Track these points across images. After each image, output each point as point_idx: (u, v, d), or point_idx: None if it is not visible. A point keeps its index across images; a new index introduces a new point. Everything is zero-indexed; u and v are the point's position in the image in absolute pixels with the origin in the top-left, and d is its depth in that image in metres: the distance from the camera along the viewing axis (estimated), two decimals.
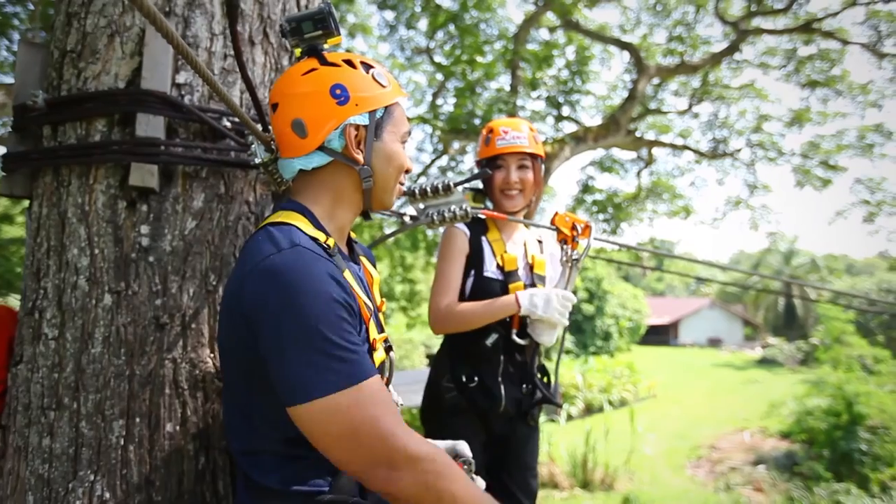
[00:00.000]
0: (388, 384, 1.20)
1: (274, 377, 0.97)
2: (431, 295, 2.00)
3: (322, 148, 1.12)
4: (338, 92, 1.10)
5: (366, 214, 1.27)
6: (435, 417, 2.05)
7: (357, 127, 1.13)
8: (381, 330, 1.20)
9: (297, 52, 1.17)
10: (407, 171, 1.23)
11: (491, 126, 2.15)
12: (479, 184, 2.10)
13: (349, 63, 1.14)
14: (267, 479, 1.05)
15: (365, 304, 1.09)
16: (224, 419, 1.13)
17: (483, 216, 1.99)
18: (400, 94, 1.19)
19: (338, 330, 0.95)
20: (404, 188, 1.80)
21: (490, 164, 2.09)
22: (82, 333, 1.31)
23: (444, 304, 1.94)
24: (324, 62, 1.13)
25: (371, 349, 1.08)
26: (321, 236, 1.09)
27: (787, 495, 9.59)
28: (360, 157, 1.13)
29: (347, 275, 1.08)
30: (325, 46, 1.16)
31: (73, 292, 1.33)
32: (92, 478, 1.25)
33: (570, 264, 1.94)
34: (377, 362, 1.10)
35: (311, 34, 1.14)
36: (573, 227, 1.93)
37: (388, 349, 1.22)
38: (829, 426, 11.23)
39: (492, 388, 1.97)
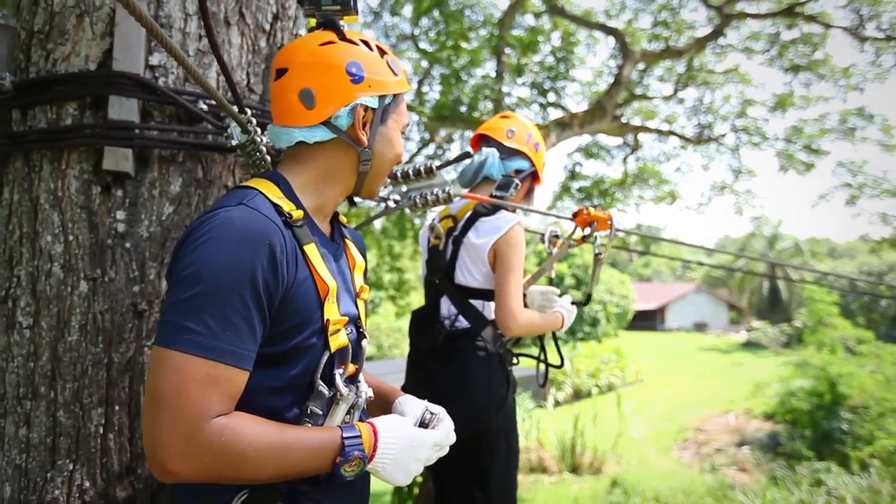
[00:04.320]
0: (357, 371, 1.15)
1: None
2: (508, 294, 1.88)
3: (327, 123, 1.09)
4: (353, 70, 1.08)
5: (351, 201, 1.25)
6: (505, 402, 2.02)
7: (366, 108, 1.11)
8: (352, 314, 1.14)
9: (312, 22, 1.14)
10: (398, 162, 1.22)
11: (540, 138, 2.18)
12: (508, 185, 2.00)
13: (366, 44, 1.13)
14: None
15: (324, 281, 1.05)
16: None
17: (469, 200, 1.99)
18: (407, 86, 1.19)
19: (228, 300, 0.88)
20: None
21: (535, 179, 2.14)
22: (58, 321, 1.28)
23: (521, 307, 1.93)
24: (342, 38, 1.11)
25: (324, 329, 1.03)
26: (287, 205, 1.04)
27: (770, 475, 9.79)
28: (364, 138, 1.12)
29: (311, 249, 1.04)
30: (342, 23, 1.14)
31: (48, 280, 1.30)
32: (71, 467, 1.24)
33: (595, 262, 2.01)
34: (334, 346, 1.04)
35: (329, 7, 1.12)
36: (588, 224, 1.95)
37: (361, 336, 1.17)
38: (811, 407, 11.46)
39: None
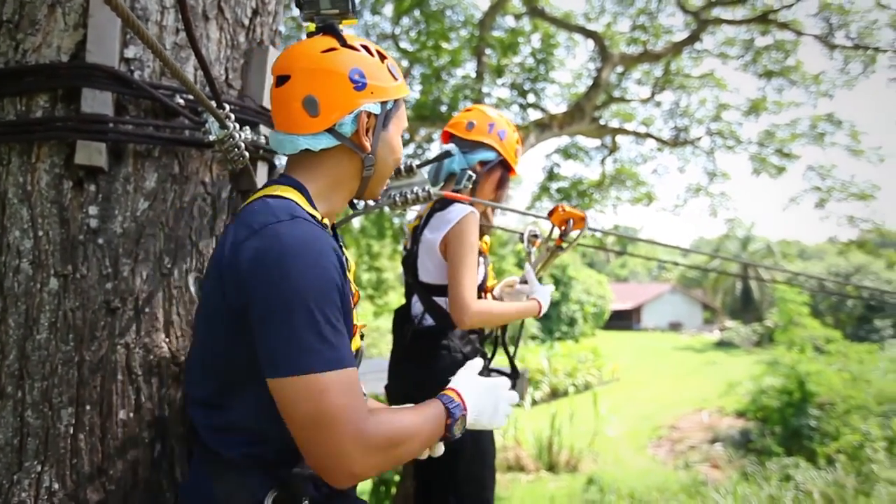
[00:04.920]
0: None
1: (258, 345, 0.94)
2: (459, 286, 1.83)
3: (331, 130, 1.09)
4: (356, 77, 1.08)
5: (351, 204, 1.25)
6: None
7: (369, 115, 1.12)
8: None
9: (312, 27, 1.13)
10: (398, 164, 1.25)
11: (519, 137, 2.14)
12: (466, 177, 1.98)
13: (367, 49, 1.13)
14: (231, 451, 1.02)
15: (355, 288, 1.09)
16: (193, 391, 1.08)
17: (447, 199, 1.98)
18: (407, 90, 1.20)
19: (329, 311, 0.93)
20: None
21: (507, 168, 2.09)
22: (26, 319, 1.25)
23: (474, 298, 1.85)
24: (344, 44, 1.10)
25: (351, 336, 1.05)
26: (317, 214, 1.06)
27: (741, 471, 10.00)
28: (368, 144, 1.12)
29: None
30: (341, 26, 1.14)
31: (16, 276, 1.26)
32: (39, 468, 1.21)
33: (550, 252, 2.00)
34: (354, 349, 1.07)
35: (327, 10, 1.11)
36: (565, 222, 1.94)
37: (361, 336, 1.21)
38: (781, 404, 11.74)
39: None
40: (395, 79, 1.15)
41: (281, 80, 1.10)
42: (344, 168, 1.13)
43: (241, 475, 1.01)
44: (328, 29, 1.12)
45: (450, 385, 1.13)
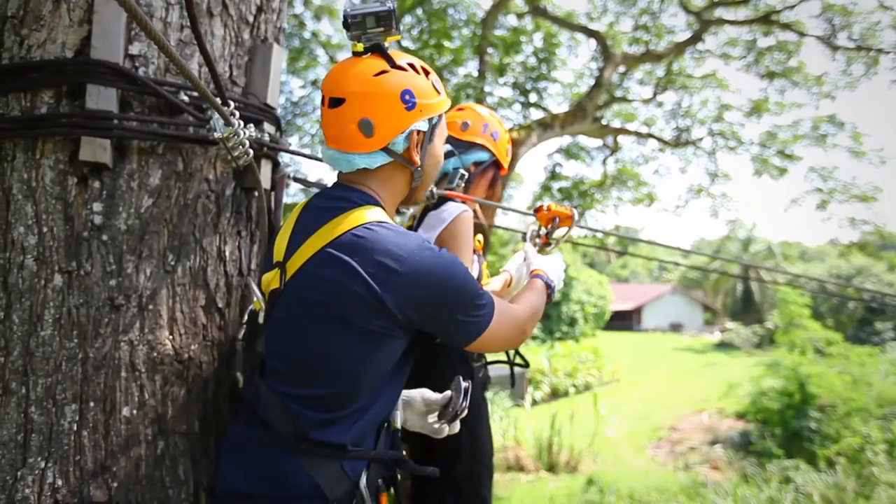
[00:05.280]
0: None
1: (452, 332, 1.19)
2: None
3: (385, 148, 1.17)
4: (407, 97, 1.16)
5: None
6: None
7: (419, 132, 1.20)
8: None
9: (359, 46, 1.18)
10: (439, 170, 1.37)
11: (510, 137, 2.13)
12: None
13: (413, 67, 1.19)
14: (337, 438, 1.13)
15: None
16: (294, 390, 1.14)
17: (449, 198, 1.98)
18: (448, 103, 1.27)
19: (470, 284, 1.18)
20: None
21: (498, 167, 2.09)
22: (30, 315, 1.25)
23: None
24: (393, 65, 1.17)
25: None
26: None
27: (741, 473, 9.99)
28: (417, 159, 1.22)
29: None
30: (385, 43, 1.19)
31: (20, 272, 1.26)
32: (43, 465, 1.21)
33: (537, 247, 1.95)
34: None
35: (373, 29, 1.16)
36: (551, 220, 1.93)
37: None
38: (782, 406, 11.72)
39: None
40: (439, 93, 1.23)
41: (334, 102, 1.17)
42: (397, 181, 1.24)
43: (339, 461, 1.13)
44: (377, 49, 1.18)
45: (535, 268, 1.58)
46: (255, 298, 1.26)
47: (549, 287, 1.51)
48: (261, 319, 1.23)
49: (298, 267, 1.15)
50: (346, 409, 1.14)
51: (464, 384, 1.35)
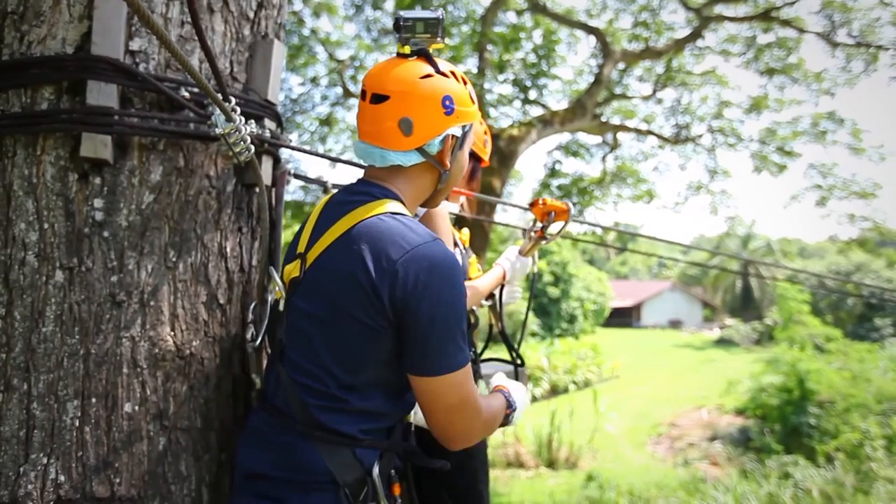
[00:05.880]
0: None
1: (413, 349, 1.12)
2: None
3: (419, 149, 1.21)
4: (447, 103, 1.21)
5: None
6: None
7: (453, 136, 1.25)
8: None
9: (406, 49, 1.23)
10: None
11: (487, 128, 2.12)
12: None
13: (454, 75, 1.25)
14: (346, 428, 1.16)
15: None
16: (310, 381, 1.17)
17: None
18: (479, 113, 1.33)
19: (463, 317, 1.15)
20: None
21: (478, 160, 2.07)
22: (32, 312, 1.25)
23: None
24: (437, 70, 1.22)
25: None
26: None
27: (741, 469, 10.02)
28: (448, 162, 1.26)
29: None
30: (431, 49, 1.25)
31: (22, 269, 1.26)
32: (45, 461, 1.21)
33: (532, 241, 1.96)
34: None
35: (421, 35, 1.22)
36: (546, 215, 1.92)
37: None
38: (781, 402, 11.75)
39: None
40: (473, 103, 1.29)
41: (377, 98, 1.20)
42: (425, 181, 1.28)
43: (353, 449, 1.17)
44: (423, 54, 1.24)
45: (499, 385, 1.41)
46: (276, 288, 1.28)
47: (510, 406, 1.35)
48: (281, 307, 1.25)
49: (316, 256, 1.19)
50: (350, 402, 1.16)
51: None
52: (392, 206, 1.20)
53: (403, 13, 1.22)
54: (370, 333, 1.12)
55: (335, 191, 1.37)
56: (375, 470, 1.20)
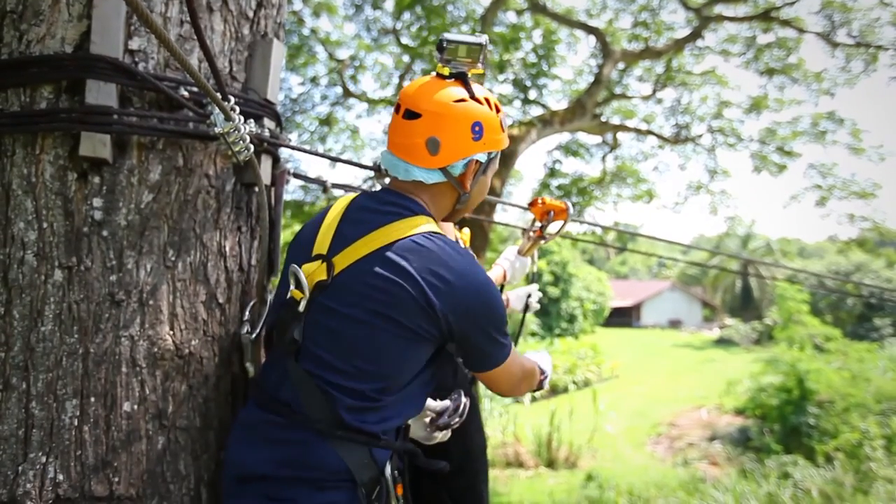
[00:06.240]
0: None
1: (472, 356, 1.29)
2: None
3: (443, 169, 1.26)
4: (476, 129, 1.25)
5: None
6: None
7: (477, 161, 1.29)
8: None
9: (446, 70, 1.27)
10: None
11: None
12: None
13: (488, 102, 1.28)
14: (370, 427, 1.20)
15: None
16: (343, 381, 1.19)
17: None
18: (507, 141, 1.35)
19: (504, 322, 1.29)
20: (370, 164, 1.78)
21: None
22: (31, 311, 1.25)
23: None
24: (472, 95, 1.25)
25: None
26: None
27: (740, 469, 10.02)
28: (468, 186, 1.30)
29: None
30: (470, 73, 1.28)
31: (20, 268, 1.26)
32: (44, 459, 1.21)
33: (531, 240, 1.96)
34: None
35: (463, 59, 1.25)
36: (545, 214, 1.92)
37: None
38: (780, 402, 11.75)
39: None
40: (503, 131, 1.31)
41: (410, 114, 1.24)
42: (444, 199, 1.32)
43: (370, 448, 1.21)
44: (461, 78, 1.27)
45: (533, 357, 1.56)
46: (292, 286, 1.25)
47: (542, 373, 1.55)
48: (301, 308, 1.23)
49: (351, 263, 1.21)
50: (381, 402, 1.21)
51: (463, 399, 1.47)
52: (430, 225, 1.24)
53: (448, 35, 1.24)
54: (415, 339, 1.18)
55: (352, 194, 1.40)
56: (388, 470, 1.24)
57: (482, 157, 1.28)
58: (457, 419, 1.48)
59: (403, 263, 1.16)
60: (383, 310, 1.16)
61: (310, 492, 1.17)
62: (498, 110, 1.30)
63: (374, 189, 1.81)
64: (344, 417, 1.18)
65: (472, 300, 1.20)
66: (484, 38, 1.24)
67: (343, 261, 1.21)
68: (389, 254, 1.18)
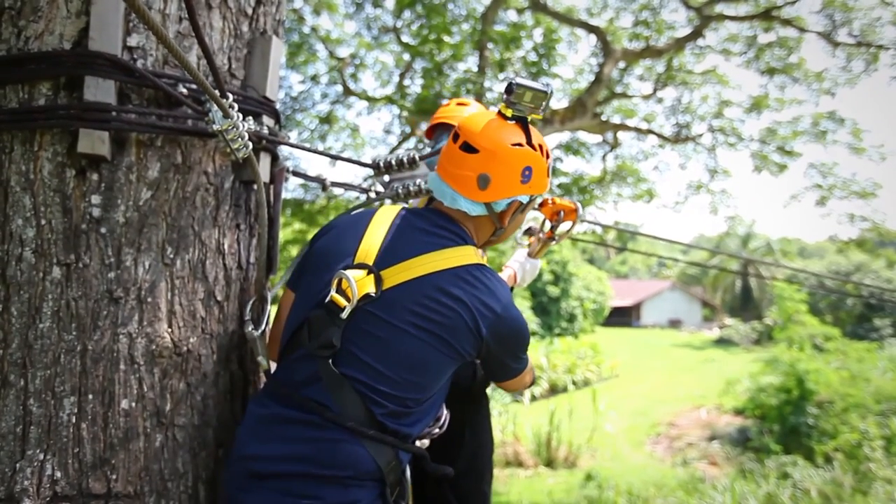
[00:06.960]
0: None
1: (498, 371, 1.43)
2: None
3: (487, 204, 1.33)
4: (526, 173, 1.32)
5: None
6: (468, 394, 1.99)
7: (519, 202, 1.36)
8: None
9: (509, 112, 1.32)
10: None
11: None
12: None
13: (541, 149, 1.34)
14: (405, 429, 1.28)
15: None
16: (387, 387, 1.24)
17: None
18: (548, 185, 1.42)
19: (527, 345, 1.43)
20: (369, 161, 1.77)
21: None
22: (29, 308, 1.25)
23: None
24: (528, 141, 1.32)
25: None
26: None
27: (739, 468, 10.03)
28: (507, 223, 1.39)
29: None
30: (529, 117, 1.34)
31: (19, 265, 1.26)
32: (42, 457, 1.21)
33: (542, 242, 1.96)
34: None
35: (527, 104, 1.30)
36: (556, 214, 1.92)
37: None
38: (780, 402, 11.76)
39: None
40: (549, 177, 1.38)
41: (467, 147, 1.31)
42: (482, 229, 1.40)
43: (395, 448, 1.26)
44: (522, 122, 1.33)
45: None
46: (332, 291, 1.24)
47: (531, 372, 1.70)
48: (344, 315, 1.24)
49: (405, 280, 1.26)
50: (416, 408, 1.28)
51: (444, 411, 1.57)
52: (478, 257, 1.33)
53: (518, 80, 1.28)
54: (457, 358, 1.28)
55: (394, 206, 1.44)
56: (408, 472, 1.33)
57: (524, 199, 1.36)
58: (436, 430, 1.60)
59: (459, 293, 1.25)
60: (437, 330, 1.24)
61: (334, 489, 1.19)
62: (548, 156, 1.36)
63: (374, 188, 1.81)
64: (382, 421, 1.23)
65: (511, 330, 1.32)
66: (550, 88, 1.29)
67: (394, 276, 1.26)
68: (446, 280, 1.26)
